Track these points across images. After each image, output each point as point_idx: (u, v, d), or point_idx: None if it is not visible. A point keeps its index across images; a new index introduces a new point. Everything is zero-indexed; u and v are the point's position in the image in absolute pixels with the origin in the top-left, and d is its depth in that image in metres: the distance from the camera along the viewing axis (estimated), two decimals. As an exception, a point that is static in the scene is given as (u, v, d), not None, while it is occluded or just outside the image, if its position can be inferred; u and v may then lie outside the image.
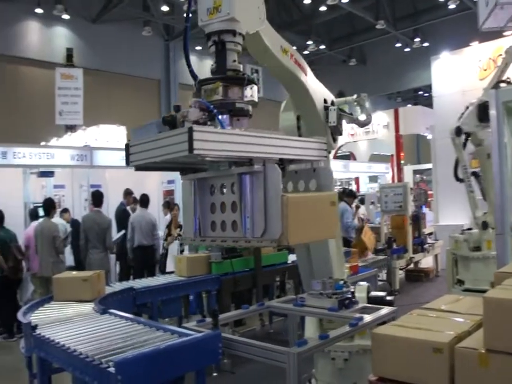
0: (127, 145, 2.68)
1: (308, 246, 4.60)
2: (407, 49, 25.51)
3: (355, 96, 4.56)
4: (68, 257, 8.96)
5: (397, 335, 2.76)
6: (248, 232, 2.61)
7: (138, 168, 2.75)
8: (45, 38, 19.29)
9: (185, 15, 2.92)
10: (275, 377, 5.53)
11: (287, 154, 2.74)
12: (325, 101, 4.16)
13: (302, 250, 4.81)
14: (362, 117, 4.43)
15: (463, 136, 6.56)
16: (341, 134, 4.25)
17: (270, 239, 2.56)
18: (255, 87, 2.76)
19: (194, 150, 2.23)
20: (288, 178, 3.23)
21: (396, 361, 2.70)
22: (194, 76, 2.81)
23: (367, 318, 4.03)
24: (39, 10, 18.34)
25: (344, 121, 4.29)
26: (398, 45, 25.38)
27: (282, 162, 2.72)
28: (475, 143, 6.71)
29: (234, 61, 2.79)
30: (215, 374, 5.79)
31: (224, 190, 2.76)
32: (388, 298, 4.78)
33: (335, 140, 4.34)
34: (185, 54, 2.92)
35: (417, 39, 23.94)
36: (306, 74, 3.82)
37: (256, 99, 2.77)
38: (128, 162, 2.69)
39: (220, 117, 2.56)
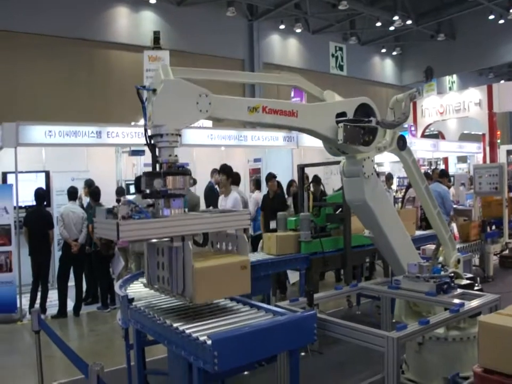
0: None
1: (375, 235, 4.69)
2: (501, 21, 23.96)
3: (413, 89, 4.64)
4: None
5: (508, 325, 2.58)
6: (174, 288, 3.34)
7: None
8: (133, 22, 19.82)
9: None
10: (363, 359, 5.48)
11: (203, 229, 3.44)
12: (344, 114, 4.14)
13: (373, 239, 4.77)
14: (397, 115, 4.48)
15: None
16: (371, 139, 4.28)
17: (187, 296, 3.27)
18: (179, 177, 3.34)
19: (120, 238, 3.03)
20: (222, 239, 3.76)
21: (506, 354, 2.53)
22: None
23: (469, 304, 3.83)
24: (127, -4, 18.94)
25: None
26: (491, 17, 23.90)
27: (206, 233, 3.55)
28: None
29: (170, 155, 3.37)
30: (302, 354, 5.75)
31: (163, 254, 3.48)
32: (476, 288, 4.56)
33: (368, 143, 4.25)
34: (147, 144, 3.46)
35: (512, 10, 22.45)
36: (294, 114, 3.88)
37: (182, 186, 3.35)
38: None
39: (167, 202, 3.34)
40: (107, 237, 3.30)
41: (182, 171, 3.37)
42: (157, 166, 3.39)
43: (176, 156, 3.42)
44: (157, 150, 3.41)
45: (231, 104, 3.68)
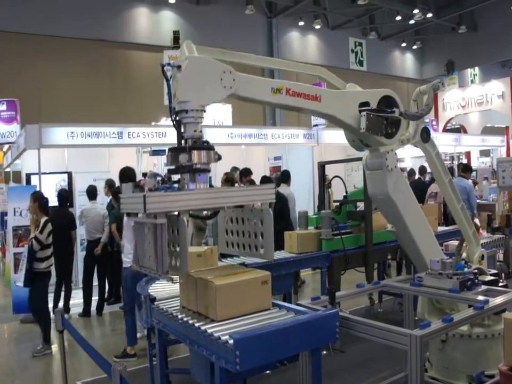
0: (119, 197, 3.50)
1: (398, 229, 4.60)
2: (524, 12, 23.60)
3: (437, 81, 4.56)
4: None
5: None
6: (158, 267, 3.19)
7: (128, 214, 3.52)
8: (153, 22, 19.98)
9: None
10: (385, 358, 5.43)
11: (229, 202, 3.43)
12: (367, 104, 4.09)
13: (396, 234, 4.73)
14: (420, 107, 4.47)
15: None
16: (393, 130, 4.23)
17: (178, 271, 3.31)
18: (204, 152, 3.40)
19: (147, 210, 3.03)
20: (245, 214, 3.74)
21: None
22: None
23: (494, 301, 3.76)
24: (147, -3, 19.10)
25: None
26: (514, 7, 23.55)
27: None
28: None
29: (195, 130, 3.39)
30: (324, 352, 5.71)
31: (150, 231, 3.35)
32: (500, 284, 4.48)
33: (391, 135, 4.19)
34: (172, 120, 3.48)
35: (536, 0, 22.06)
36: (317, 98, 3.85)
37: (206, 160, 3.41)
38: (119, 208, 3.54)
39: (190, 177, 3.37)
40: (134, 211, 3.27)
41: (207, 146, 3.43)
42: (182, 142, 3.43)
43: (201, 131, 3.45)
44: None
45: (255, 84, 3.67)
